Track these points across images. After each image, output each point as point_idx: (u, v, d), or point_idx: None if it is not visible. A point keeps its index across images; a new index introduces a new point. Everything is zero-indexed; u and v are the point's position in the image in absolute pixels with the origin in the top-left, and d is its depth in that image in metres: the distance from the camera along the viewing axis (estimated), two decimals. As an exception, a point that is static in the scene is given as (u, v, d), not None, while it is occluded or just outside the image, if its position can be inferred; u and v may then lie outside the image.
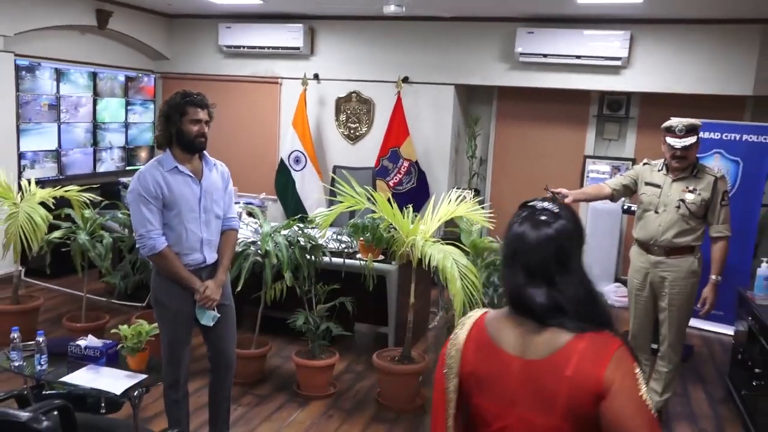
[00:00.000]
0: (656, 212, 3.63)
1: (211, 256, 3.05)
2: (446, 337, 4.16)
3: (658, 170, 3.70)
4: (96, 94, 6.93)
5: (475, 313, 1.55)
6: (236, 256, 3.76)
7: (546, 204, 1.48)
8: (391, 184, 6.63)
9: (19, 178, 5.72)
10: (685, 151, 3.53)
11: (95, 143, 6.99)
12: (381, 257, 4.44)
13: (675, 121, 3.54)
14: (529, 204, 1.50)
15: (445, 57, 6.70)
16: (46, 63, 6.35)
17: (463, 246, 3.97)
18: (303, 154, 6.86)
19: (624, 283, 5.14)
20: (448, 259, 3.60)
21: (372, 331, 5.14)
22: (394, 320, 4.51)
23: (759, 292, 4.05)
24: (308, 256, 4.04)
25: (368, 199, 3.95)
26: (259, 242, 3.99)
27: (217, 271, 3.06)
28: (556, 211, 1.46)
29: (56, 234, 4.38)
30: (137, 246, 2.94)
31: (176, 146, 2.92)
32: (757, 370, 3.70)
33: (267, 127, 7.48)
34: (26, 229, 4.33)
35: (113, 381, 2.97)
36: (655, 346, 3.85)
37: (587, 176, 6.71)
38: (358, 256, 4.47)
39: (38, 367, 3.07)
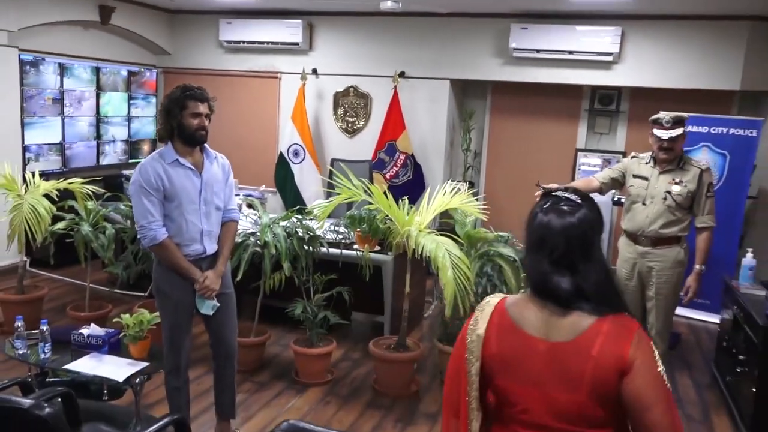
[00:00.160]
0: (644, 204, 3.63)
1: (211, 247, 3.05)
2: (441, 326, 4.16)
3: (646, 163, 3.71)
4: (99, 89, 6.89)
5: (494, 299, 1.59)
6: (236, 246, 3.76)
7: (568, 194, 1.53)
8: (387, 176, 6.62)
9: (24, 170, 5.71)
10: (672, 142, 3.53)
11: (98, 136, 6.96)
12: (377, 248, 4.44)
13: (662, 114, 3.54)
14: (553, 194, 1.54)
15: (440, 52, 6.67)
16: (50, 58, 6.31)
17: (457, 237, 3.97)
18: (302, 147, 6.84)
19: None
20: (440, 249, 3.60)
21: (368, 319, 5.15)
22: (389, 309, 4.51)
23: (744, 282, 4.05)
24: (306, 247, 4.04)
25: (365, 191, 3.95)
26: (258, 233, 3.98)
27: (217, 262, 3.06)
28: (579, 201, 1.51)
29: (60, 225, 4.37)
30: (138, 236, 2.94)
31: (177, 139, 2.91)
32: (741, 357, 3.71)
33: (267, 121, 7.45)
34: (30, 220, 4.32)
35: (115, 368, 2.98)
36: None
37: (579, 169, 6.70)
38: (355, 246, 4.47)
39: (42, 355, 3.08)
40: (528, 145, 6.97)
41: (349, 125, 7.17)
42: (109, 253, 4.40)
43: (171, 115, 2.88)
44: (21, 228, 4.33)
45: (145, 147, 7.62)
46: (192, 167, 2.93)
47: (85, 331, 3.23)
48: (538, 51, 6.19)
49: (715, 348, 4.52)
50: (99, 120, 6.94)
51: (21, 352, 3.13)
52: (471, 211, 4.02)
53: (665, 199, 3.57)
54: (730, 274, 4.62)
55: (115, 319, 3.40)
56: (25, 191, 4.50)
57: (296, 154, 6.87)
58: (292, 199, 6.79)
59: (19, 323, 3.17)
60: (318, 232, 4.20)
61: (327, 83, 7.14)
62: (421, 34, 6.70)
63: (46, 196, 4.49)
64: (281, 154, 6.96)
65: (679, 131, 3.52)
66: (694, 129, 5.36)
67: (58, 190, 4.56)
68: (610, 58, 6.03)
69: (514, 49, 6.24)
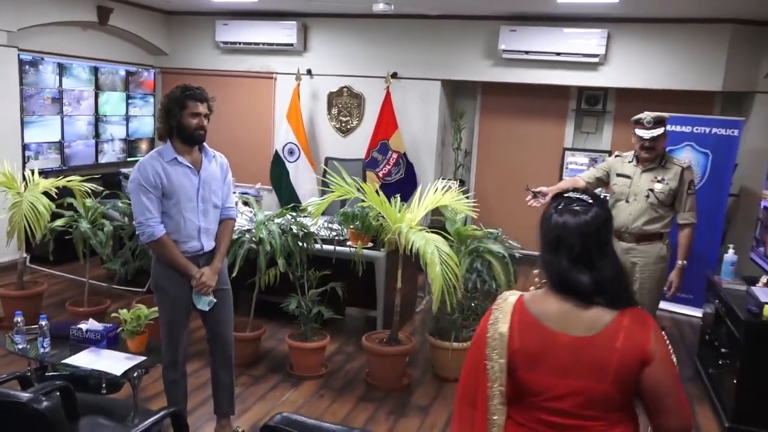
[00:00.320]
0: (627, 201, 3.64)
1: (208, 244, 3.03)
2: (432, 320, 4.15)
3: (629, 162, 3.72)
4: (98, 88, 6.85)
5: (511, 297, 1.63)
6: (232, 243, 3.74)
7: (579, 194, 1.59)
8: (380, 174, 6.61)
9: (24, 168, 5.67)
10: (653, 142, 3.54)
11: (97, 135, 6.92)
12: (370, 244, 4.43)
13: (644, 114, 3.55)
14: (565, 195, 1.60)
15: (431, 53, 6.67)
16: (49, 58, 6.26)
17: (448, 234, 3.97)
18: (297, 146, 6.83)
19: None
20: (429, 245, 3.59)
21: (361, 314, 5.15)
22: (382, 304, 4.51)
23: (725, 277, 4.07)
24: (301, 244, 4.02)
25: (358, 189, 3.94)
26: (253, 230, 3.97)
27: (214, 259, 3.04)
28: (590, 201, 1.57)
29: (59, 222, 4.34)
30: (137, 233, 2.92)
31: (176, 138, 2.89)
32: (723, 350, 3.73)
33: (262, 121, 7.43)
34: (30, 217, 4.29)
35: (113, 362, 2.96)
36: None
37: (566, 167, 6.72)
38: (349, 243, 4.46)
39: (41, 350, 3.05)
40: (517, 144, 6.98)
41: (343, 125, 7.16)
42: (108, 249, 4.38)
43: (171, 115, 2.86)
44: (20, 225, 4.30)
45: (143, 146, 7.58)
46: (190, 166, 2.91)
47: (83, 326, 3.21)
48: (526, 52, 6.20)
49: (698, 341, 4.54)
50: (97, 119, 6.90)
51: (20, 346, 3.11)
52: (461, 208, 4.02)
53: (648, 196, 3.58)
54: (712, 269, 4.65)
55: (113, 314, 3.38)
56: (25, 189, 4.47)
57: (291, 152, 6.86)
58: (288, 197, 6.77)
59: (19, 318, 3.15)
60: (312, 229, 4.19)
61: (321, 83, 7.13)
62: (413, 35, 6.69)
63: (46, 193, 4.46)
64: (276, 153, 6.94)
65: (659, 131, 3.53)
66: (678, 129, 5.38)
67: (57, 187, 4.53)
68: (596, 60, 6.05)
69: (504, 50, 6.24)
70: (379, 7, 5.14)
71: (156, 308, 3.11)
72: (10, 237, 4.40)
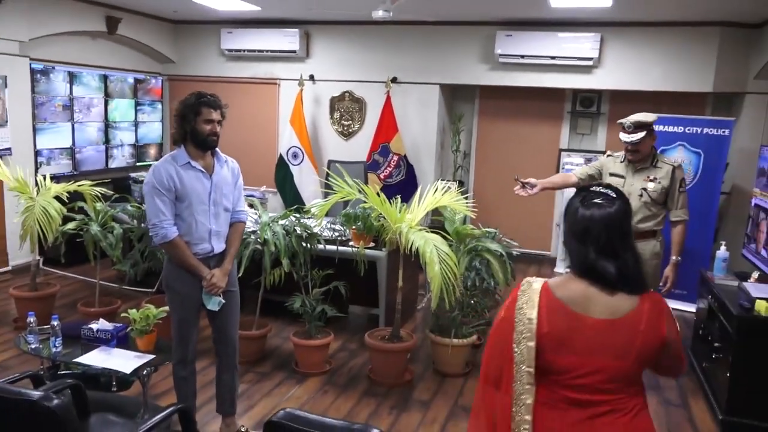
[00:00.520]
0: (622, 200, 3.63)
1: (219, 246, 3.02)
2: (432, 317, 4.14)
3: (621, 161, 3.71)
4: (107, 95, 6.86)
5: (536, 283, 1.67)
6: (237, 244, 3.73)
7: (603, 189, 1.65)
8: (381, 176, 6.61)
9: (36, 173, 5.67)
10: (635, 145, 3.53)
11: (107, 141, 6.92)
12: (372, 244, 4.42)
13: (625, 119, 3.53)
14: (591, 189, 1.66)
15: (430, 58, 6.67)
16: (60, 66, 6.27)
17: (447, 234, 3.96)
18: (300, 149, 6.83)
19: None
20: (428, 244, 3.58)
21: (364, 312, 5.14)
22: (384, 302, 4.50)
23: (718, 273, 4.06)
24: (304, 244, 4.02)
25: (359, 191, 3.93)
26: (258, 231, 3.97)
27: (224, 260, 3.04)
28: (614, 195, 1.63)
29: (70, 225, 4.34)
30: (150, 234, 2.91)
31: (190, 143, 2.89)
32: (716, 344, 3.72)
33: (267, 125, 7.43)
34: (42, 221, 4.30)
35: (123, 361, 2.96)
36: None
37: (562, 168, 6.70)
38: (351, 243, 4.45)
39: (54, 349, 3.06)
40: (514, 146, 6.98)
41: (345, 128, 7.16)
42: (118, 251, 4.38)
43: (185, 120, 2.86)
44: (33, 228, 4.31)
45: (152, 151, 7.59)
46: (203, 170, 2.91)
47: (94, 325, 3.21)
48: (522, 56, 6.19)
49: (692, 336, 4.52)
50: (107, 125, 6.90)
51: (33, 346, 3.11)
52: (460, 208, 4.01)
53: (641, 195, 3.57)
54: (705, 266, 4.63)
55: (123, 314, 3.38)
56: (37, 193, 4.47)
57: (295, 156, 6.86)
58: (292, 199, 6.77)
59: (32, 319, 3.15)
60: (315, 230, 4.19)
61: (323, 89, 7.13)
62: (412, 41, 6.69)
63: (57, 198, 4.47)
64: (281, 156, 6.94)
65: (640, 135, 3.50)
66: (670, 129, 5.37)
67: (68, 192, 4.55)
68: (590, 63, 6.03)
69: (500, 55, 6.24)
70: (379, 14, 5.13)
71: (165, 308, 3.12)
72: (23, 240, 4.41)
